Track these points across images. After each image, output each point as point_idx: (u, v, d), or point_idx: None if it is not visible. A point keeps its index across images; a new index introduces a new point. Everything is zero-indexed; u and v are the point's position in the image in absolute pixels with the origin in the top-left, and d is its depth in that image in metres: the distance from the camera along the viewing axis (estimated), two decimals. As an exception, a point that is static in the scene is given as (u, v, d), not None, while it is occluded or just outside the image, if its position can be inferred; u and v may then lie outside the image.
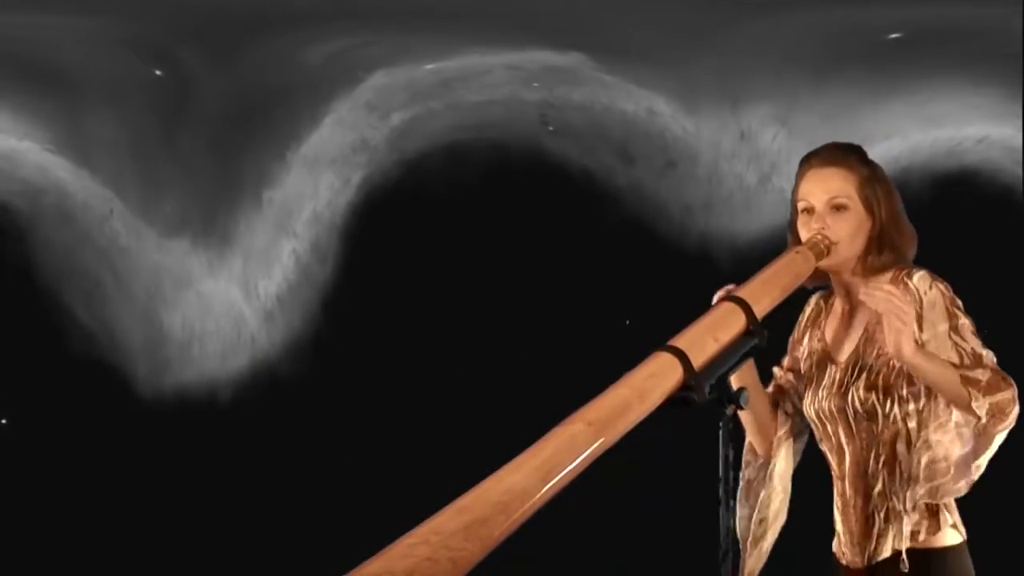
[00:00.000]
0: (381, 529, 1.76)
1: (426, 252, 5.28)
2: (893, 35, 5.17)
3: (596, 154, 5.32)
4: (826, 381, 2.92)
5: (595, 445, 1.96)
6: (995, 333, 2.90)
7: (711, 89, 5.28)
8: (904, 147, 5.17)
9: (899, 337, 2.66)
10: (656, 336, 2.33)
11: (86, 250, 5.35)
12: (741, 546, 2.94)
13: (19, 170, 5.33)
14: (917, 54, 5.17)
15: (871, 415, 2.83)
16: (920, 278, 2.80)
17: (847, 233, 2.83)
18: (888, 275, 2.85)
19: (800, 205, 2.89)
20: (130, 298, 5.37)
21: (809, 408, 2.95)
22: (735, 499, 2.74)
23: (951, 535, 2.84)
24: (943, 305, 2.77)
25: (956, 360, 2.74)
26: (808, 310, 3.07)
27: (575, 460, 1.91)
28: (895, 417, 2.81)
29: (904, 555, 2.78)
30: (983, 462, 2.83)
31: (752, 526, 2.94)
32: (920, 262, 2.90)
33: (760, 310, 2.54)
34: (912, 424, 2.79)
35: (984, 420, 2.71)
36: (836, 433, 2.90)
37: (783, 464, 2.97)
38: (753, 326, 2.50)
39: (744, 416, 2.97)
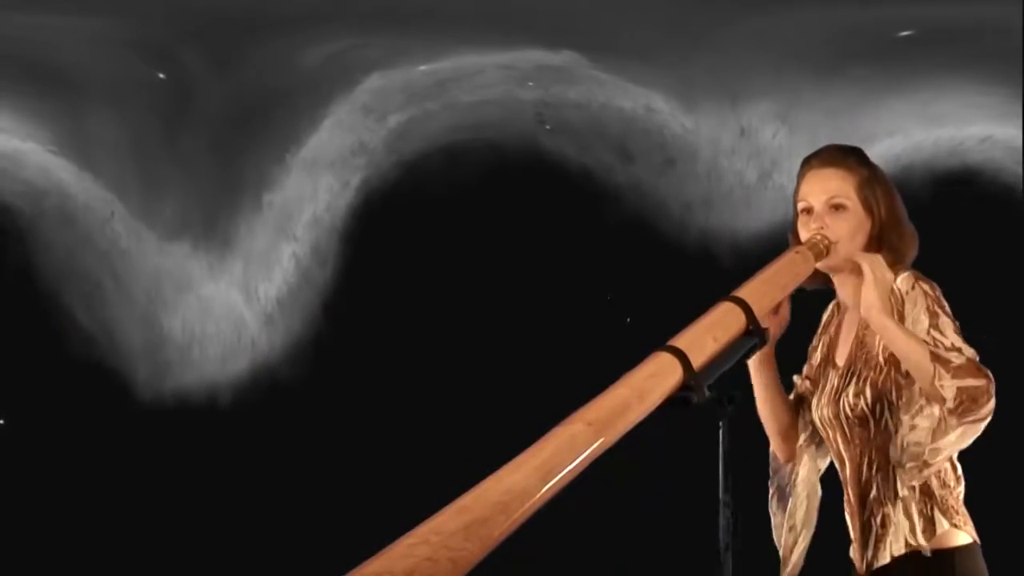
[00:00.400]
0: (381, 529, 1.76)
1: (426, 253, 5.27)
2: (900, 33, 5.17)
3: (594, 152, 5.31)
4: (827, 387, 2.91)
5: (595, 445, 1.96)
6: (995, 333, 2.89)
7: (710, 86, 5.27)
8: (906, 145, 5.17)
9: (870, 292, 2.67)
10: (656, 334, 2.33)
11: (87, 252, 5.35)
12: (780, 554, 2.93)
13: (23, 171, 5.34)
14: (921, 53, 5.17)
15: (862, 421, 2.81)
16: (903, 279, 2.78)
17: (846, 233, 2.82)
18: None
19: (800, 206, 2.89)
20: (130, 301, 5.37)
21: (814, 415, 2.94)
22: (732, 498, 2.73)
23: (960, 536, 2.78)
24: (924, 304, 2.74)
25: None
26: (824, 316, 3.04)
27: (575, 460, 1.91)
28: (886, 424, 2.78)
29: (912, 553, 2.76)
30: (946, 451, 2.69)
31: (784, 534, 2.93)
32: (920, 261, 2.89)
33: (759, 310, 2.54)
34: (904, 432, 2.74)
35: (951, 404, 2.62)
36: (835, 440, 2.88)
37: (806, 471, 2.94)
38: (752, 326, 2.49)
39: (768, 425, 2.97)
